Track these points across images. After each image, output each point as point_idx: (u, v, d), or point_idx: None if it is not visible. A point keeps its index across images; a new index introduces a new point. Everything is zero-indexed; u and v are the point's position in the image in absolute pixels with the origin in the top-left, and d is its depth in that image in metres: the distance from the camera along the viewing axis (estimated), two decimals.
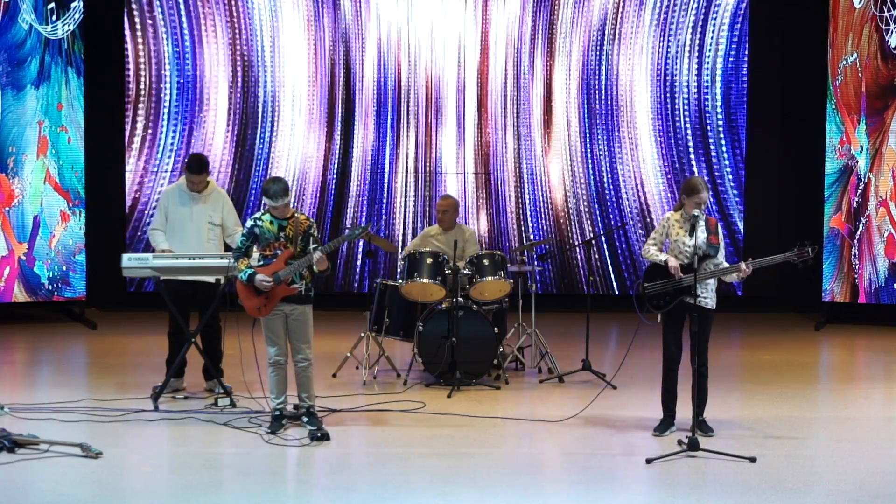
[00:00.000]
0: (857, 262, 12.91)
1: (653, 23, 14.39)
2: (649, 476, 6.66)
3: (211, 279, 8.42)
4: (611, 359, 10.67)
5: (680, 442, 7.05)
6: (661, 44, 14.41)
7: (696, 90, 14.42)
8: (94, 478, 6.48)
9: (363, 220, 14.30)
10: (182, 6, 14.12)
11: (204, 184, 8.76)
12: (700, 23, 14.36)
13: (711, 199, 14.01)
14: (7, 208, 12.52)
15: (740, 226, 14.39)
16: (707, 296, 7.52)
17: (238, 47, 14.28)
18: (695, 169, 14.34)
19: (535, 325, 9.88)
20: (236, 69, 14.29)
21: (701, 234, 7.43)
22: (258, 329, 7.73)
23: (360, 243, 14.14)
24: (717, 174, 14.36)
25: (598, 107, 14.48)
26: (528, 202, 14.49)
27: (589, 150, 14.50)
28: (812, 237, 7.98)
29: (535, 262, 10.59)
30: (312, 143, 14.42)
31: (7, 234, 12.52)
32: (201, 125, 14.28)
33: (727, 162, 14.39)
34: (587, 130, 14.50)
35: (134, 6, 14.06)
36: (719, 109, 14.41)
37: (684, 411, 7.56)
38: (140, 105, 14.16)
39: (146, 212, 13.89)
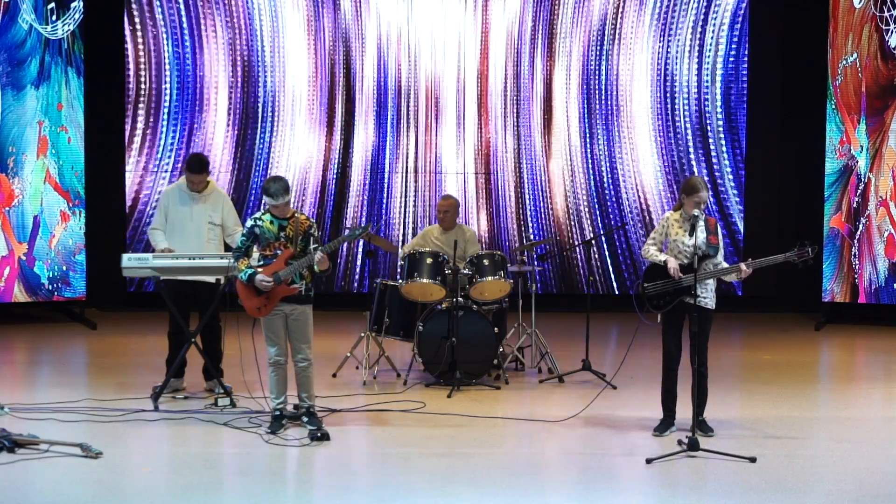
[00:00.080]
0: (857, 262, 12.91)
1: (653, 23, 14.39)
2: (649, 476, 6.66)
3: (211, 279, 8.42)
4: (611, 359, 10.67)
5: (680, 442, 7.05)
6: (661, 44, 14.41)
7: (696, 90, 14.42)
8: (94, 478, 6.48)
9: (363, 220, 14.30)
10: (182, 6, 14.13)
11: (204, 184, 8.76)
12: (700, 23, 14.36)
13: (711, 199, 14.02)
14: (7, 208, 12.52)
15: (740, 226, 14.39)
16: (707, 296, 7.52)
17: (238, 47, 14.28)
18: (695, 169, 14.35)
19: (535, 325, 9.88)
20: (236, 69, 14.29)
21: (700, 234, 7.43)
22: (258, 329, 7.73)
23: (360, 243, 14.14)
24: (717, 174, 14.36)
25: (598, 107, 14.48)
26: (528, 202, 14.49)
27: (589, 151, 14.50)
28: (812, 237, 7.98)
29: (535, 262, 10.59)
30: (312, 143, 14.41)
31: (7, 234, 12.52)
32: (201, 125, 14.28)
33: (727, 162, 14.39)
34: (587, 130, 14.50)
35: (134, 6, 14.06)
36: (719, 109, 14.42)
37: (684, 411, 7.56)
38: (140, 105, 14.16)
39: (146, 212, 13.89)
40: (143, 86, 14.15)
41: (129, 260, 8.46)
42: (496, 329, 9.29)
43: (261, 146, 14.36)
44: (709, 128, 14.43)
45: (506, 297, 9.58)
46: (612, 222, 14.29)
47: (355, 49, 14.37)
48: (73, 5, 13.05)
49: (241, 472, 6.87)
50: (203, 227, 8.71)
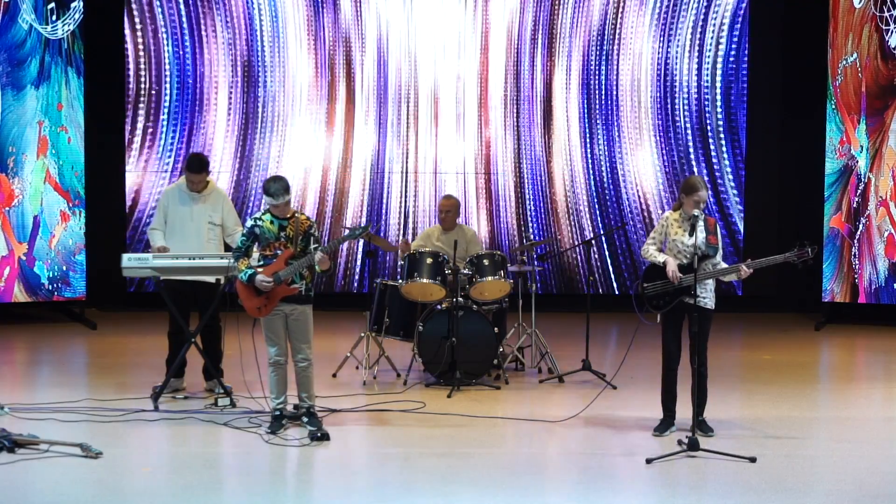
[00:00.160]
0: (857, 262, 12.91)
1: (653, 23, 14.39)
2: (649, 476, 6.66)
3: (211, 279, 8.42)
4: (611, 359, 10.67)
5: (680, 442, 7.05)
6: (661, 44, 14.41)
7: (696, 90, 14.42)
8: (94, 478, 6.48)
9: (363, 220, 14.30)
10: (182, 6, 14.12)
11: (204, 183, 8.76)
12: (700, 23, 14.36)
13: (711, 199, 14.03)
14: (7, 208, 12.52)
15: (740, 226, 14.39)
16: (706, 296, 7.52)
17: (238, 47, 14.28)
18: (695, 169, 14.35)
19: (535, 325, 9.88)
20: (236, 69, 14.29)
21: (700, 233, 7.43)
22: (258, 329, 7.72)
23: (360, 243, 14.13)
24: (717, 174, 14.36)
25: (598, 107, 14.48)
26: (528, 202, 14.49)
27: (589, 151, 14.50)
28: (812, 237, 7.98)
29: (535, 262, 10.59)
30: (312, 142, 14.41)
31: (7, 234, 12.52)
32: (201, 125, 14.28)
33: (727, 162, 14.39)
34: (587, 130, 14.50)
35: (134, 6, 14.06)
36: (719, 109, 14.42)
37: (684, 411, 7.56)
38: (140, 105, 14.16)
39: (146, 212, 13.89)
40: (143, 86, 14.15)
41: (129, 260, 8.46)
42: (496, 329, 9.29)
43: (261, 146, 14.36)
44: (709, 128, 14.43)
45: (506, 297, 9.58)
46: (612, 222, 14.29)
47: (355, 49, 14.37)
48: (73, 5, 13.05)
49: (241, 472, 6.87)
50: (203, 227, 8.71)
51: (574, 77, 14.47)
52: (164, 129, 14.19)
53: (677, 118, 14.44)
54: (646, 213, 14.40)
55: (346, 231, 8.00)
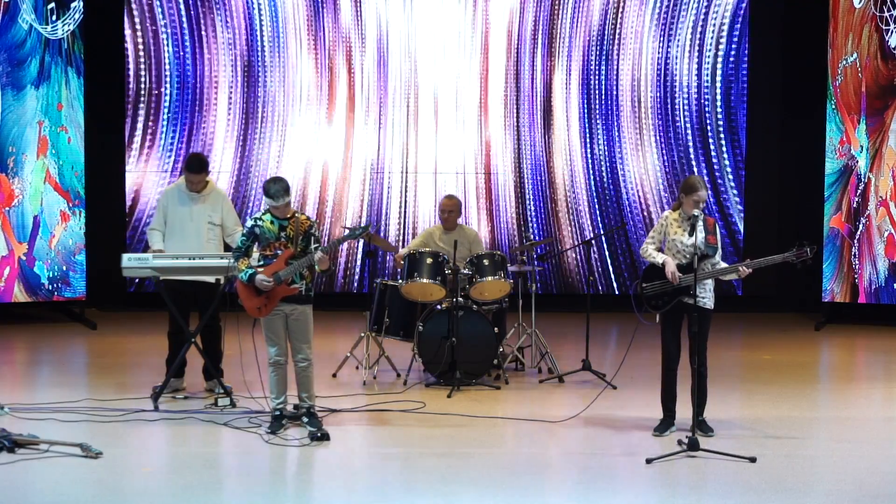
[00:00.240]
0: (857, 262, 12.91)
1: (653, 23, 14.39)
2: (649, 476, 6.66)
3: (211, 279, 8.42)
4: (611, 359, 10.66)
5: (680, 442, 7.05)
6: (661, 44, 14.41)
7: (696, 90, 14.42)
8: (94, 478, 6.49)
9: (363, 220, 14.30)
10: (182, 6, 14.12)
11: (203, 184, 8.76)
12: (700, 23, 14.36)
13: (711, 199, 14.03)
14: (7, 208, 12.52)
15: (740, 226, 14.39)
16: (705, 296, 7.52)
17: (238, 47, 14.28)
18: (695, 169, 14.35)
19: (535, 325, 9.87)
20: (236, 69, 14.29)
21: (700, 233, 7.43)
22: (258, 329, 7.73)
23: (360, 243, 14.13)
24: (717, 174, 14.36)
25: (598, 107, 14.48)
26: (528, 202, 14.49)
27: (589, 150, 14.50)
28: (812, 237, 7.99)
29: (535, 262, 10.59)
30: (312, 143, 14.41)
31: (7, 234, 12.52)
32: (201, 125, 14.28)
33: (727, 162, 14.39)
34: (587, 130, 14.50)
35: (134, 6, 14.06)
36: (719, 109, 14.42)
37: (684, 411, 7.57)
38: (140, 105, 14.16)
39: (146, 212, 13.88)
40: (143, 86, 14.15)
41: (129, 260, 8.46)
42: (496, 329, 9.29)
43: (261, 146, 14.36)
44: (709, 128, 14.43)
45: (506, 297, 9.58)
46: (612, 222, 14.29)
47: (355, 49, 14.37)
48: (73, 5, 13.05)
49: (241, 472, 6.87)
50: (202, 227, 8.71)
51: (574, 77, 14.46)
52: (164, 129, 14.19)
53: (677, 118, 14.44)
54: (646, 213, 14.40)
55: (346, 231, 8.00)
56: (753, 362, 11.13)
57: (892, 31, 12.56)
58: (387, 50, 14.41)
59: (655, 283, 7.52)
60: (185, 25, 14.15)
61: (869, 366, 11.53)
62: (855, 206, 12.94)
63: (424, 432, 7.69)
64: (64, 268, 12.98)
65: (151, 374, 9.31)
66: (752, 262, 7.52)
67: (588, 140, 14.48)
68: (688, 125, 14.44)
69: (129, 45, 14.11)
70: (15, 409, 7.95)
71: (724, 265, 7.57)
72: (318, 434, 7.31)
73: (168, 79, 14.17)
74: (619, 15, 14.37)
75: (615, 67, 14.44)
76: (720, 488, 6.40)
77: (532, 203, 14.48)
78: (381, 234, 14.14)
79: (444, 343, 9.13)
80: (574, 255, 14.48)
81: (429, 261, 9.32)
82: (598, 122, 14.47)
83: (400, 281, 9.47)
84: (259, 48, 14.30)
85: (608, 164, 14.47)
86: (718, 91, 14.41)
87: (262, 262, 7.57)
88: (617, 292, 14.37)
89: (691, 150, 14.43)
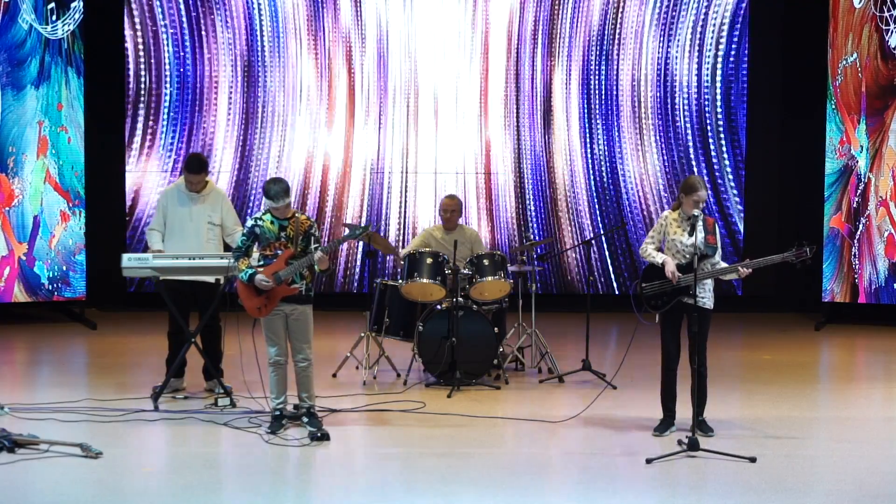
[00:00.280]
0: (857, 262, 12.91)
1: (653, 23, 14.39)
2: (649, 476, 6.66)
3: (211, 279, 8.42)
4: (611, 359, 10.67)
5: (680, 442, 7.05)
6: (661, 44, 14.41)
7: (696, 90, 14.42)
8: (94, 478, 6.49)
9: (363, 220, 14.30)
10: (182, 6, 14.12)
11: (203, 184, 8.76)
12: (700, 23, 14.36)
13: (711, 199, 14.04)
14: (7, 208, 12.52)
15: (740, 226, 14.39)
16: (705, 296, 7.52)
17: (238, 47, 14.28)
18: (694, 169, 14.34)
19: (535, 325, 9.87)
20: (236, 69, 14.29)
21: (699, 233, 7.43)
22: (258, 329, 7.73)
23: (360, 243, 14.13)
24: (717, 174, 14.36)
25: (598, 107, 14.48)
26: (528, 202, 14.49)
27: (589, 150, 14.50)
28: (812, 237, 7.99)
29: (535, 262, 10.59)
30: (312, 143, 14.41)
31: (7, 234, 12.52)
32: (201, 125, 14.28)
33: (727, 162, 14.39)
34: (587, 130, 14.50)
35: (134, 6, 14.06)
36: (719, 109, 14.42)
37: (684, 411, 7.57)
38: (140, 105, 14.16)
39: (146, 212, 13.88)
40: (143, 86, 14.15)
41: (129, 260, 8.46)
42: (496, 329, 9.29)
43: (261, 146, 14.36)
44: (709, 128, 14.43)
45: (506, 297, 9.57)
46: (612, 222, 14.29)
47: (355, 49, 14.37)
48: (73, 5, 13.05)
49: (241, 472, 6.87)
50: (202, 227, 8.71)
51: (574, 77, 14.46)
52: (164, 129, 14.19)
53: (677, 118, 14.44)
54: (646, 213, 14.40)
55: (347, 231, 8.00)
56: (753, 362, 11.13)
57: (892, 31, 12.56)
58: (387, 50, 14.41)
59: (655, 283, 7.52)
60: (185, 25, 14.15)
61: (869, 366, 11.53)
62: (855, 206, 12.94)
63: (424, 432, 7.69)
64: (64, 268, 12.98)
65: (151, 374, 9.31)
66: (751, 262, 7.52)
67: (588, 140, 14.49)
68: (688, 125, 14.44)
69: (129, 45, 14.11)
70: (15, 409, 7.95)
71: (723, 265, 7.57)
72: (318, 434, 7.32)
73: (168, 79, 14.17)
74: (619, 15, 14.37)
75: (615, 67, 14.44)
76: (720, 488, 6.40)
77: (532, 203, 14.48)
78: (382, 234, 14.13)
79: (444, 343, 9.13)
80: (574, 255, 14.48)
81: (429, 261, 9.32)
82: (598, 122, 14.47)
83: (400, 281, 9.47)
84: (259, 48, 14.30)
85: (608, 164, 14.47)
86: (718, 91, 14.41)
87: (262, 262, 7.57)
88: (617, 292, 14.37)
89: (691, 150, 14.43)
